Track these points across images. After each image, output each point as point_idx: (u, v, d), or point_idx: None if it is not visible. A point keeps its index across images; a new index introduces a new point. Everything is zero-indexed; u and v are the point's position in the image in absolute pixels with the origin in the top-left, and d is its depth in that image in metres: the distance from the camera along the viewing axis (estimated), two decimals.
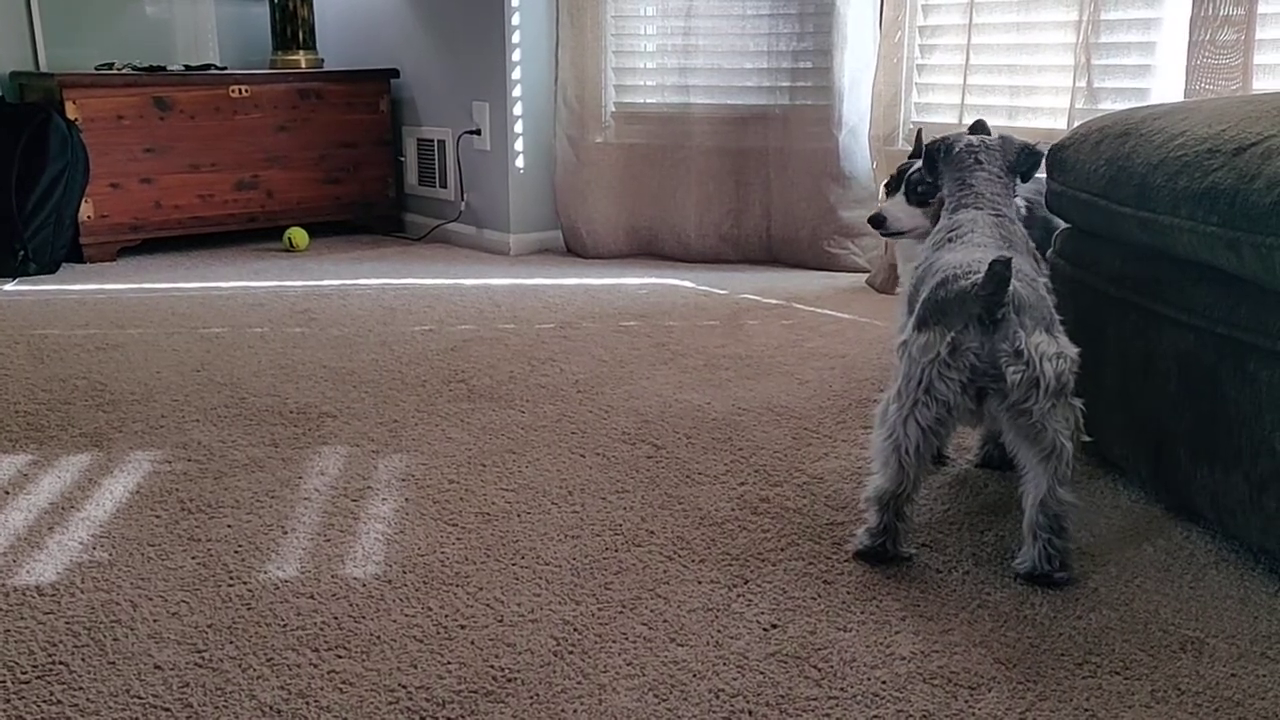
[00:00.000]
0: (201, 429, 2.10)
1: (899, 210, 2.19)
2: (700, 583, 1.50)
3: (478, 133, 4.01)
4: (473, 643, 1.34)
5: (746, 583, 1.50)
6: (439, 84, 4.15)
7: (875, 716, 1.20)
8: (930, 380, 1.45)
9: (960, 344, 1.43)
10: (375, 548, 1.60)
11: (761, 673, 1.28)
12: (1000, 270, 1.39)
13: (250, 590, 1.47)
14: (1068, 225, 1.96)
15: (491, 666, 1.29)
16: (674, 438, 2.06)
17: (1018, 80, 3.09)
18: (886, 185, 2.27)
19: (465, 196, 4.15)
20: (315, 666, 1.29)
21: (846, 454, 1.97)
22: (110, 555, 1.57)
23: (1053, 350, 1.43)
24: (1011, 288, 1.41)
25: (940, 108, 3.33)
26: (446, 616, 1.41)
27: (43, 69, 4.03)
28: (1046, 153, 1.88)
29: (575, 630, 1.37)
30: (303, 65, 4.27)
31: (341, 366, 2.52)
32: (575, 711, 1.21)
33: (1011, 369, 1.41)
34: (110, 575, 1.51)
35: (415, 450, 1.99)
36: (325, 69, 4.34)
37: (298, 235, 4.05)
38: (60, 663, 1.30)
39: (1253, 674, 1.28)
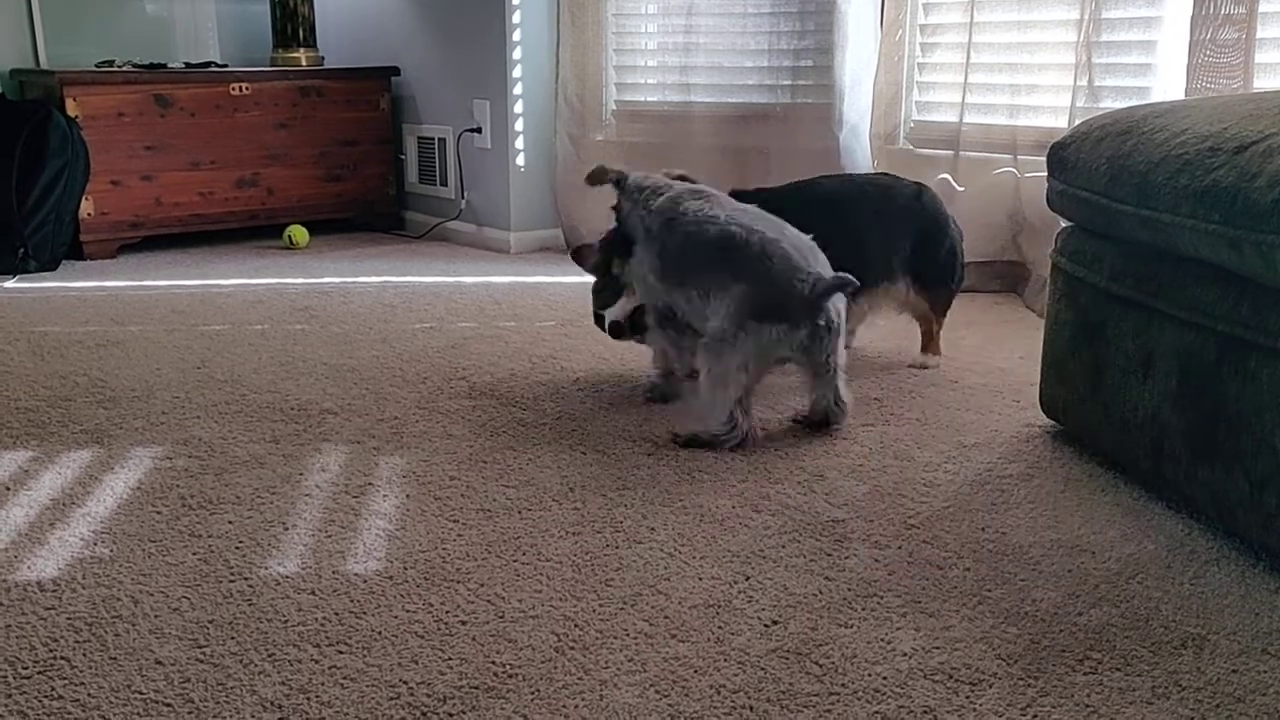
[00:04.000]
0: (202, 425, 2.10)
1: (618, 309, 2.24)
2: (701, 579, 1.50)
3: (478, 131, 4.01)
4: (474, 639, 1.34)
5: (747, 579, 1.50)
6: (439, 82, 4.15)
7: (876, 712, 1.20)
8: None
9: None
10: (376, 544, 1.60)
11: (762, 669, 1.28)
12: None
13: (251, 586, 1.47)
14: (1068, 224, 1.96)
15: (492, 662, 1.29)
16: None
17: (1019, 79, 3.09)
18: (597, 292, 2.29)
19: (466, 194, 4.15)
20: (316, 662, 1.29)
21: (847, 451, 1.97)
22: (111, 551, 1.57)
23: None
24: None
25: (941, 106, 3.33)
26: (447, 612, 1.41)
27: (43, 66, 4.03)
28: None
29: (576, 626, 1.37)
30: (303, 63, 4.27)
31: (342, 363, 2.52)
32: (576, 707, 1.21)
33: None
34: (111, 571, 1.51)
35: (416, 447, 1.99)
36: (326, 66, 4.34)
37: (298, 233, 4.05)
38: (61, 658, 1.30)
39: (1254, 670, 1.28)
